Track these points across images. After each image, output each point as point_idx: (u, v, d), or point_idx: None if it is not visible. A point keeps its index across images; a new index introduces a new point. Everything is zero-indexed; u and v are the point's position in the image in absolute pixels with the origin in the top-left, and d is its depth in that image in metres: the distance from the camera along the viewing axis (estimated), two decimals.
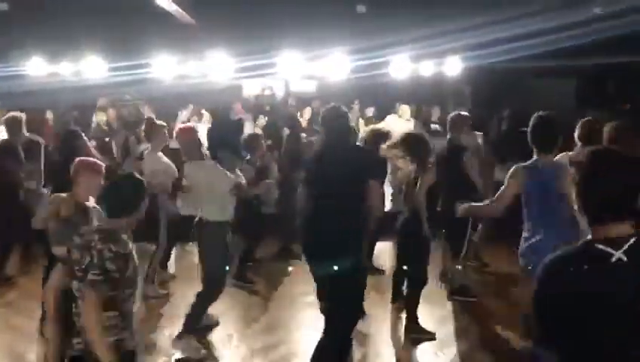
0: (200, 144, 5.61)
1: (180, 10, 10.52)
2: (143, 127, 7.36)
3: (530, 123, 4.40)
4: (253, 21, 11.52)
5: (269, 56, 11.73)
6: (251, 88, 15.11)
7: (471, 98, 14.11)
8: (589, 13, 10.61)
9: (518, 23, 10.39)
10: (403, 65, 12.34)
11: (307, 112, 12.35)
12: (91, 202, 4.27)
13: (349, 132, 4.76)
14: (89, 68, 11.91)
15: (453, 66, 12.82)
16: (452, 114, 6.66)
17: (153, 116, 8.16)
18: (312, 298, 5.39)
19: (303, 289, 6.12)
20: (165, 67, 11.80)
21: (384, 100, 13.35)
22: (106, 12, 10.98)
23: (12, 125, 6.93)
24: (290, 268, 7.20)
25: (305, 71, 13.17)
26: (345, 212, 4.07)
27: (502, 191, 4.34)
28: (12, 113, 7.14)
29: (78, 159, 4.36)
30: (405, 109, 11.61)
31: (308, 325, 5.46)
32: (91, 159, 4.48)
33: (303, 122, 11.40)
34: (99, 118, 10.79)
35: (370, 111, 12.90)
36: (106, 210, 3.17)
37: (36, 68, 11.89)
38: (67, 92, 11.99)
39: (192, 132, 5.64)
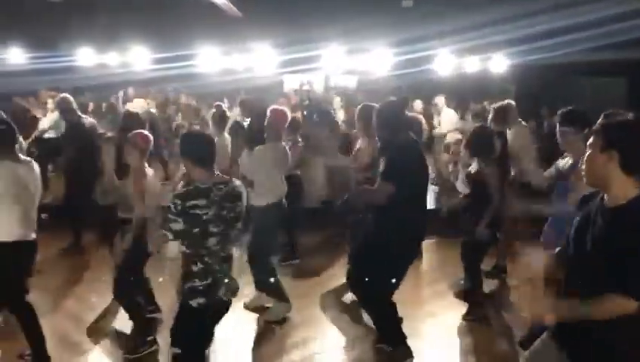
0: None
1: (228, 3, 10.63)
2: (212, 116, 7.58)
3: None
4: (298, 15, 11.56)
5: (313, 50, 11.78)
6: (292, 83, 15.18)
7: (515, 96, 13.85)
8: None
9: (565, 15, 10.12)
10: (447, 60, 12.20)
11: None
12: None
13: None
14: (135, 58, 12.16)
15: (499, 63, 12.62)
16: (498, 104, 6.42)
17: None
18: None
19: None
20: (210, 59, 11.96)
21: (427, 96, 13.22)
22: (153, 2, 11.20)
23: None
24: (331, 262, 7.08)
25: (347, 65, 13.16)
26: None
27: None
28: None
29: None
30: (440, 100, 11.30)
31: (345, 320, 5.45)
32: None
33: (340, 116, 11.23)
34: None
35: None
36: None
37: (85, 58, 12.19)
38: (114, 83, 12.32)
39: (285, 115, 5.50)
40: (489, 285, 6.00)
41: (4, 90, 11.07)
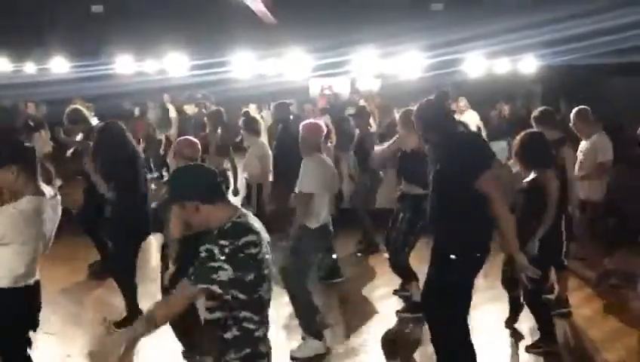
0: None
1: (264, 9, 10.96)
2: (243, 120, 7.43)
3: None
4: (331, 20, 11.88)
5: (344, 54, 12.07)
6: (317, 87, 15.41)
7: (541, 97, 14.00)
8: None
9: (594, 18, 10.29)
10: (476, 63, 12.43)
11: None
12: None
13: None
14: (172, 65, 12.55)
15: (528, 64, 12.80)
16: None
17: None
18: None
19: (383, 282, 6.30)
20: (244, 65, 12.30)
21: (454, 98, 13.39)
22: (190, 10, 11.59)
23: None
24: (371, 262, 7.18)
25: (377, 69, 13.41)
26: None
27: None
28: None
29: None
30: (463, 101, 11.51)
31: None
32: None
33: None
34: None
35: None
36: None
37: (124, 66, 12.62)
38: (151, 90, 12.75)
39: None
40: None
41: (48, 98, 11.63)
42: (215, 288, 2.45)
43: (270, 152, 7.11)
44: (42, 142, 9.45)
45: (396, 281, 5.89)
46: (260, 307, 2.59)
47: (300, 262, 4.77)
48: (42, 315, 3.53)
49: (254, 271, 2.50)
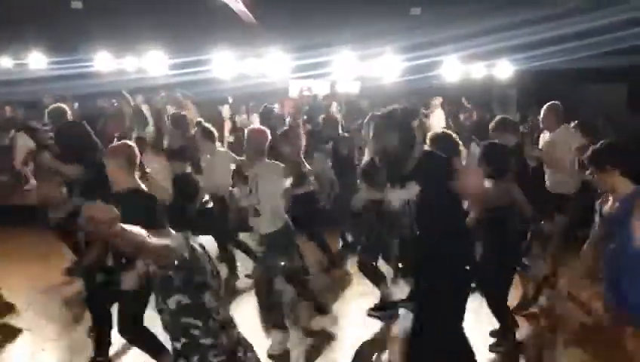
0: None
1: (244, 9, 11.01)
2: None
3: None
4: (310, 21, 11.97)
5: (323, 55, 12.18)
6: (296, 89, 15.50)
7: (517, 101, 14.25)
8: None
9: (566, 22, 10.46)
10: (453, 67, 12.65)
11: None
12: None
13: None
14: (151, 63, 12.53)
15: (503, 69, 13.05)
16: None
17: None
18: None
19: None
20: (224, 65, 12.35)
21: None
22: (170, 8, 11.61)
23: None
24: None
25: (356, 71, 13.54)
26: None
27: None
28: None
29: None
30: (436, 101, 11.77)
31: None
32: None
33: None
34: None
35: None
36: None
37: (103, 63, 12.57)
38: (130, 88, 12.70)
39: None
40: None
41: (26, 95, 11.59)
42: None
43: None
44: (23, 143, 9.49)
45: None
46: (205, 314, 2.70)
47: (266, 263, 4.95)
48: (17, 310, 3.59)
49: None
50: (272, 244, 4.94)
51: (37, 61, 12.47)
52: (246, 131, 5.25)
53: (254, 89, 12.91)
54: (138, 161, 4.24)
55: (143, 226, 2.32)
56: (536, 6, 10.14)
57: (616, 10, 9.88)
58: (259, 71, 12.70)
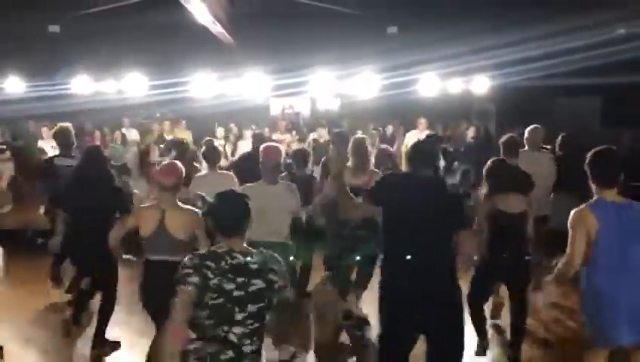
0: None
1: (222, 30, 11.08)
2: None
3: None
4: (289, 41, 12.10)
5: (302, 75, 12.29)
6: (278, 107, 15.62)
7: (496, 116, 14.46)
8: (614, 33, 11.02)
9: (543, 43, 10.84)
10: (431, 83, 12.81)
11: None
12: None
13: None
14: (130, 86, 12.50)
15: (481, 84, 13.24)
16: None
17: None
18: None
19: None
20: (203, 85, 12.37)
21: (410, 118, 13.68)
22: (148, 31, 11.64)
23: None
24: None
25: (334, 89, 13.66)
26: None
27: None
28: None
29: None
30: (422, 122, 11.71)
31: None
32: None
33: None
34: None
35: (389, 130, 12.72)
36: None
37: (81, 86, 12.50)
38: (110, 110, 12.69)
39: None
40: None
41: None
42: None
43: None
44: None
45: None
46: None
47: None
48: None
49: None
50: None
51: (13, 85, 12.34)
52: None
53: (234, 107, 12.93)
54: None
55: None
56: (512, 28, 10.40)
57: (590, 34, 10.40)
58: (238, 90, 12.73)
